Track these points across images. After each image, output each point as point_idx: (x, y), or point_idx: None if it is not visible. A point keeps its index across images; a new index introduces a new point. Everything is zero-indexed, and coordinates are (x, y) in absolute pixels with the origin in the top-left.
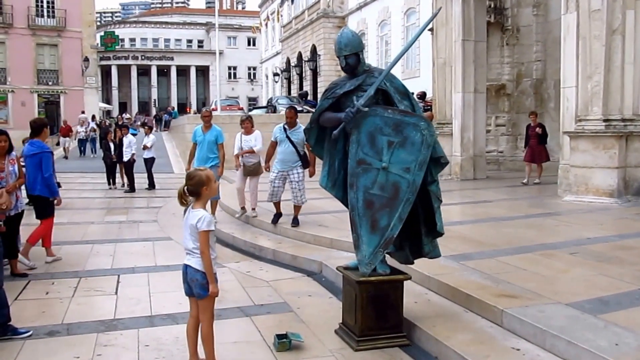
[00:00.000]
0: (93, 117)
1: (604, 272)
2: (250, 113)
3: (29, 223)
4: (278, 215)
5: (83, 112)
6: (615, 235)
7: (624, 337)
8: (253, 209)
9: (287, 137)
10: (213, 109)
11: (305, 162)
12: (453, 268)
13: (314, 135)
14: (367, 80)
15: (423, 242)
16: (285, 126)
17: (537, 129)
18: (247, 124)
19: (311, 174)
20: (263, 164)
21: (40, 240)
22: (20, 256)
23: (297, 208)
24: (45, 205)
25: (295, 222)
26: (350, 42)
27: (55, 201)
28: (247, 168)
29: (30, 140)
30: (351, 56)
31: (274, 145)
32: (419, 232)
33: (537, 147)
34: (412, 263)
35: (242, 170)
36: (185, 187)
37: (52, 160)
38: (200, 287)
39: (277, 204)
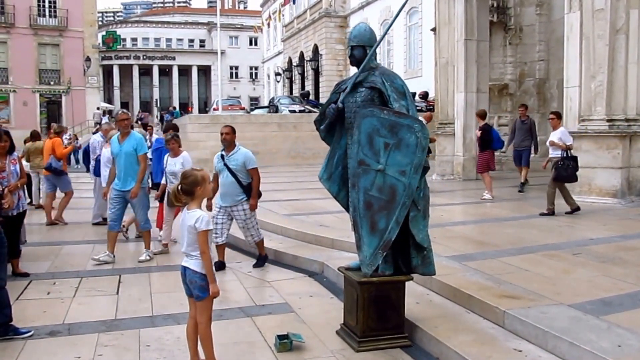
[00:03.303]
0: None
1: (607, 273)
2: (252, 113)
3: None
4: (219, 264)
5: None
6: (619, 235)
7: (626, 338)
8: (165, 244)
9: (225, 164)
10: (215, 109)
11: (250, 194)
12: (455, 268)
13: (326, 126)
14: (368, 77)
15: (411, 255)
16: (223, 152)
17: (477, 132)
18: (173, 145)
19: (252, 207)
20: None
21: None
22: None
23: (258, 245)
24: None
25: (260, 262)
26: (359, 34)
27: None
28: (170, 196)
29: (157, 138)
30: (357, 48)
31: (216, 178)
32: (408, 243)
33: (480, 154)
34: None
35: (167, 199)
36: (179, 186)
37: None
38: (199, 288)
39: (221, 248)
